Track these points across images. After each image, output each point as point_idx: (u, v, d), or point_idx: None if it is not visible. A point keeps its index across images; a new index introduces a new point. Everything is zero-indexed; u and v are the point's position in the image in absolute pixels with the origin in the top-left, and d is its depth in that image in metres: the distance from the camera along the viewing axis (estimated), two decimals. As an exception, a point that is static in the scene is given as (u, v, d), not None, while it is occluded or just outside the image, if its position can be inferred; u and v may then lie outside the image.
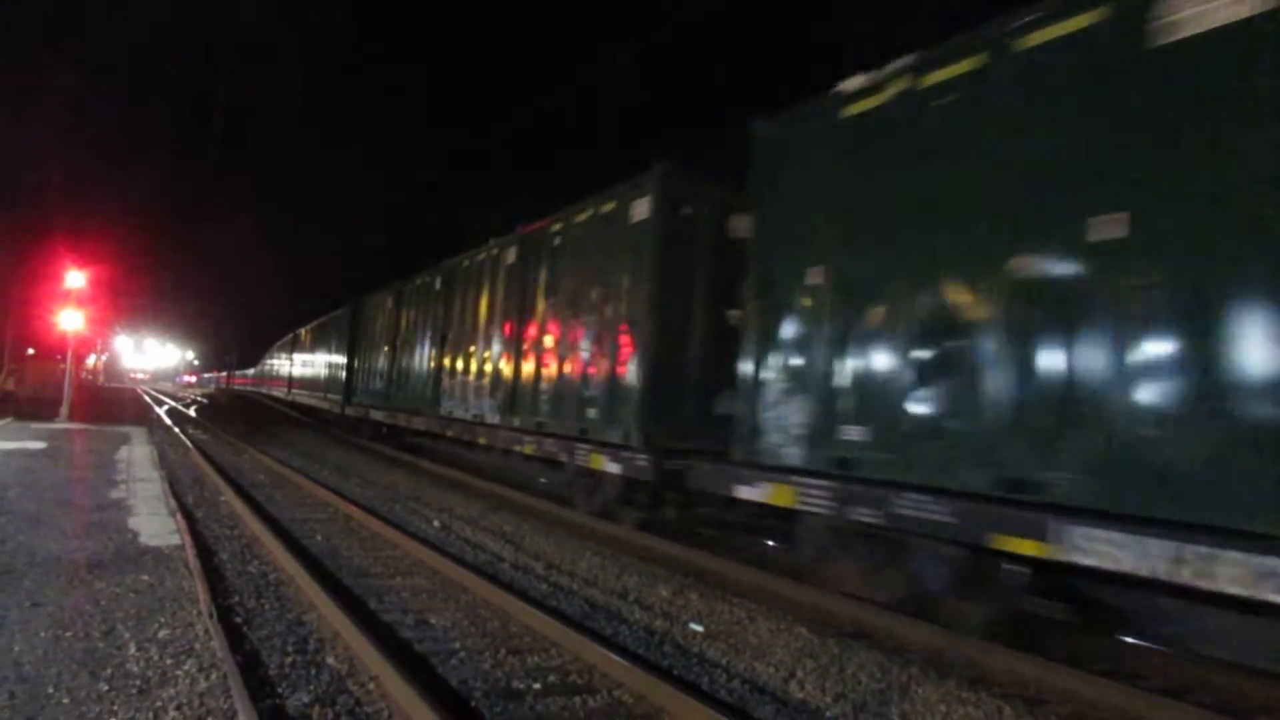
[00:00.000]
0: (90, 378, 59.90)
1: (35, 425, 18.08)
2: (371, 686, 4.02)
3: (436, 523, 8.87)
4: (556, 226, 10.68)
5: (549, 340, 10.46)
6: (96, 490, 9.45)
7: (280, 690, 3.94)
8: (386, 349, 18.57)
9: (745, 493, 6.59)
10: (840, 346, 6.09)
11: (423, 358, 15.88)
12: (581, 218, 10.10)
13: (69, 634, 4.43)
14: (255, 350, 58.18)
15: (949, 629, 5.24)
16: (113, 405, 32.13)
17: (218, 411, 34.97)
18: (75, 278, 20.51)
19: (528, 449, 10.45)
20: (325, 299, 27.73)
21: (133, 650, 4.23)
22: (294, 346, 34.20)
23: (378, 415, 18.21)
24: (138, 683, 3.83)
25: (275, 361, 41.31)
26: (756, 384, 6.83)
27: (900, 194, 5.80)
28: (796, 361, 6.51)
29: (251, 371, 60.20)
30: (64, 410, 20.68)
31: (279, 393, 37.39)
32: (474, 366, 13.02)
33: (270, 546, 6.90)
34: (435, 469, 14.00)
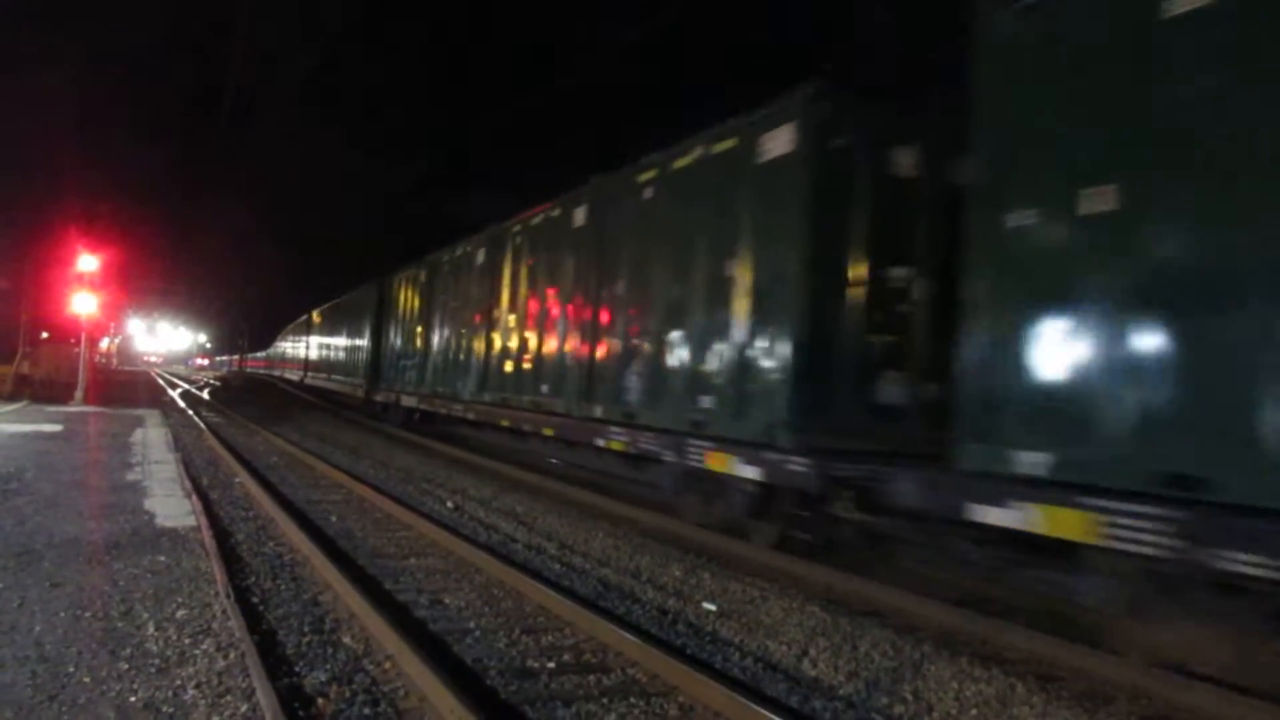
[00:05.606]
0: (104, 361, 60.25)
1: (51, 408, 18.25)
2: (387, 665, 4.06)
3: (450, 504, 8.92)
4: (649, 174, 8.81)
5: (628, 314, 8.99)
6: (112, 472, 9.55)
7: (298, 669, 3.99)
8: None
9: (993, 516, 4.61)
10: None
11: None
12: (684, 162, 8.21)
13: (88, 614, 4.48)
14: (267, 334, 58.50)
15: (960, 607, 5.28)
16: (127, 388, 32.36)
17: (231, 394, 35.20)
18: (88, 261, 20.57)
19: (614, 445, 8.73)
20: (338, 283, 28.47)
21: (151, 630, 4.28)
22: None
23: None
24: (157, 661, 3.88)
25: (282, 345, 47.99)
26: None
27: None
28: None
29: (263, 354, 61.04)
30: (79, 393, 20.84)
31: (276, 372, 46.35)
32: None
33: (285, 528, 6.96)
34: (447, 450, 14.06)
